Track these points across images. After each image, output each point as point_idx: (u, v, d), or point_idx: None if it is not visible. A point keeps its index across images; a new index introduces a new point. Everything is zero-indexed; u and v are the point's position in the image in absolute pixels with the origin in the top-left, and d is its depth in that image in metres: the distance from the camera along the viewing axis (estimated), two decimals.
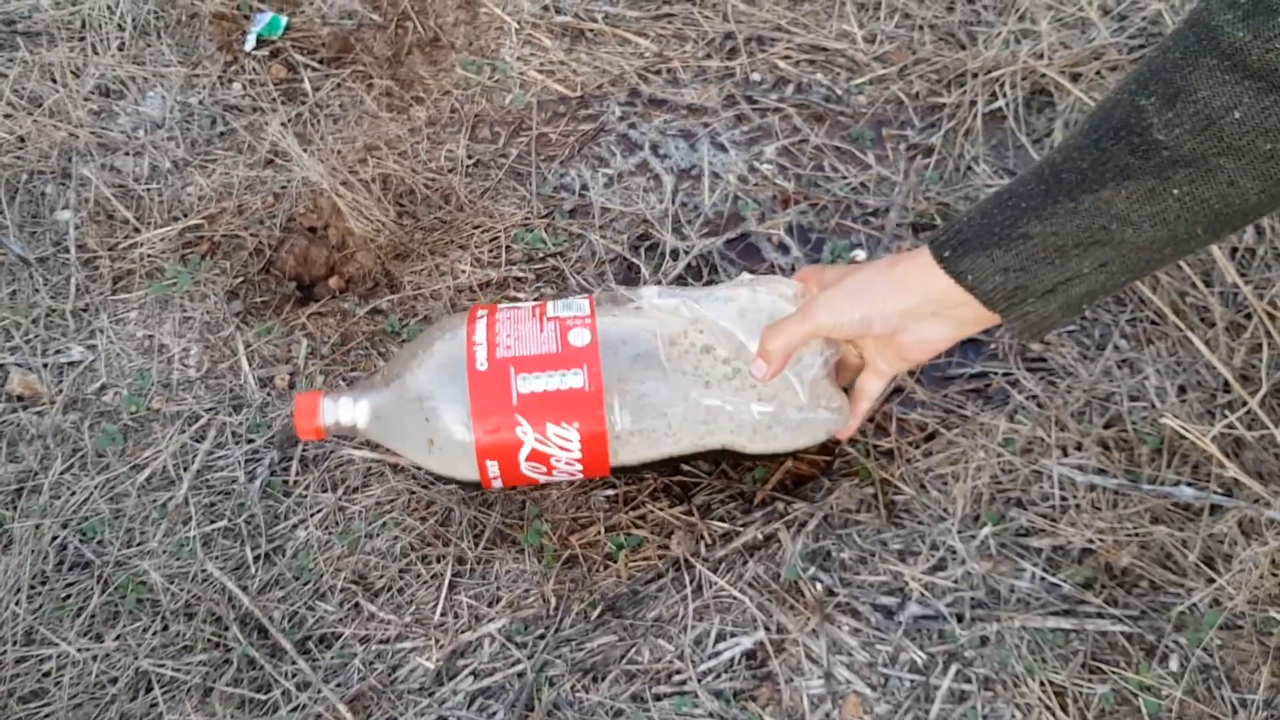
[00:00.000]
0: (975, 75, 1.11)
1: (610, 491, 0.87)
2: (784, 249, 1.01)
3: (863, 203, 1.04)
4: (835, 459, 0.89)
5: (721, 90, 1.13)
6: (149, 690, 0.79)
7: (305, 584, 0.84)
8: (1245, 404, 0.86)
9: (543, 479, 0.79)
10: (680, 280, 1.00)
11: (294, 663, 0.80)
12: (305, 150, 1.06)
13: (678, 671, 0.79)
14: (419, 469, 0.87)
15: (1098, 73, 1.11)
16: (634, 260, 1.01)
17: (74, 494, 0.88)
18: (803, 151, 1.08)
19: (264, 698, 0.78)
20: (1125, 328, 0.94)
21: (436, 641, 0.81)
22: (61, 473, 0.89)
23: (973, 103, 1.09)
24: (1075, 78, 1.10)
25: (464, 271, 1.00)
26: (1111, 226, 0.60)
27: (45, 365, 0.95)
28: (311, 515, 0.87)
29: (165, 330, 0.97)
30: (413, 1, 1.21)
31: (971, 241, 0.65)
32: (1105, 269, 0.62)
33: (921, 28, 1.16)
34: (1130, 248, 0.61)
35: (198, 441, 0.91)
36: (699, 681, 0.78)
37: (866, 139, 1.08)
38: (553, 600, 0.82)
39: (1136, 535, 0.82)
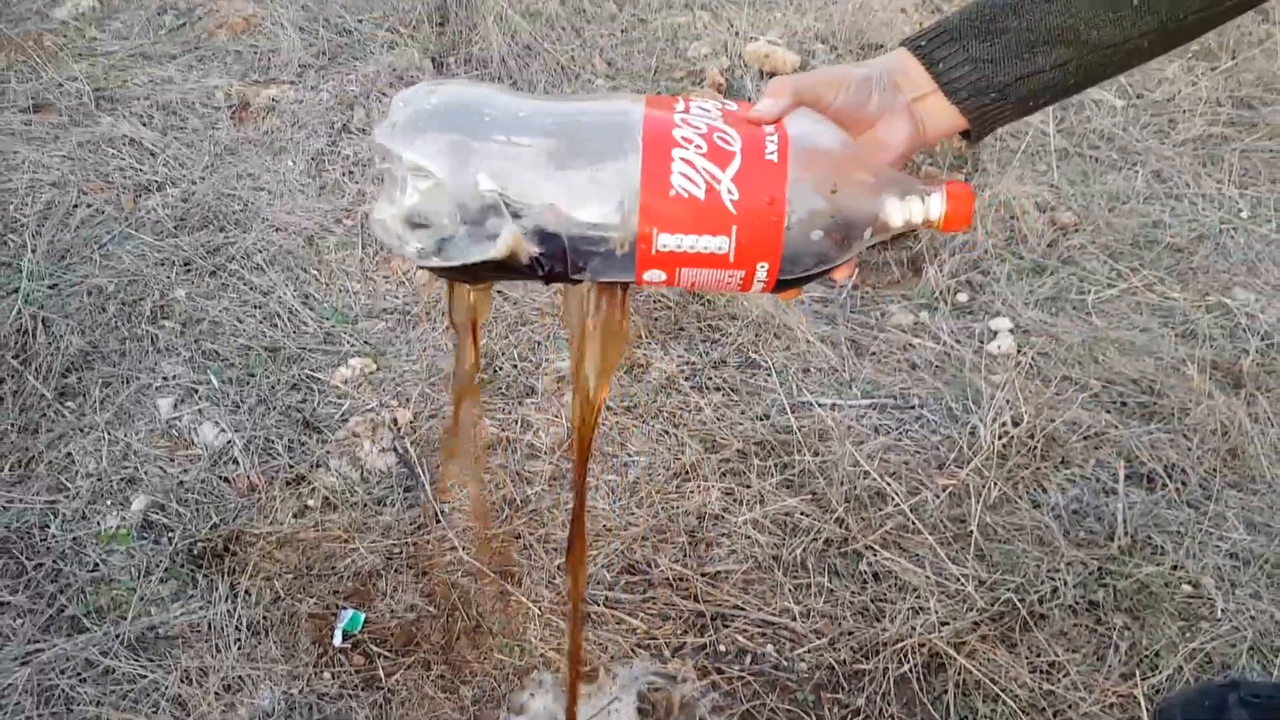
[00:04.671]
0: (886, 645, 1.48)
1: None
2: None
3: None
4: None
5: (697, 662, 1.49)
6: None
7: None
8: None
9: None
10: None
11: None
12: None
13: None
14: None
15: (980, 638, 1.48)
16: None
17: None
18: (761, 714, 1.42)
19: None
20: None
21: None
22: None
23: (885, 670, 1.45)
24: (959, 646, 1.47)
25: None
26: (1079, 27, 0.71)
27: None
28: None
29: None
30: (460, 594, 1.59)
31: (950, 32, 0.74)
32: (1063, 69, 0.73)
33: (842, 604, 1.55)
34: (1089, 49, 0.72)
35: None
36: None
37: (809, 704, 1.43)
38: None
39: None
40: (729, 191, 0.67)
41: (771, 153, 0.67)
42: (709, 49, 2.93)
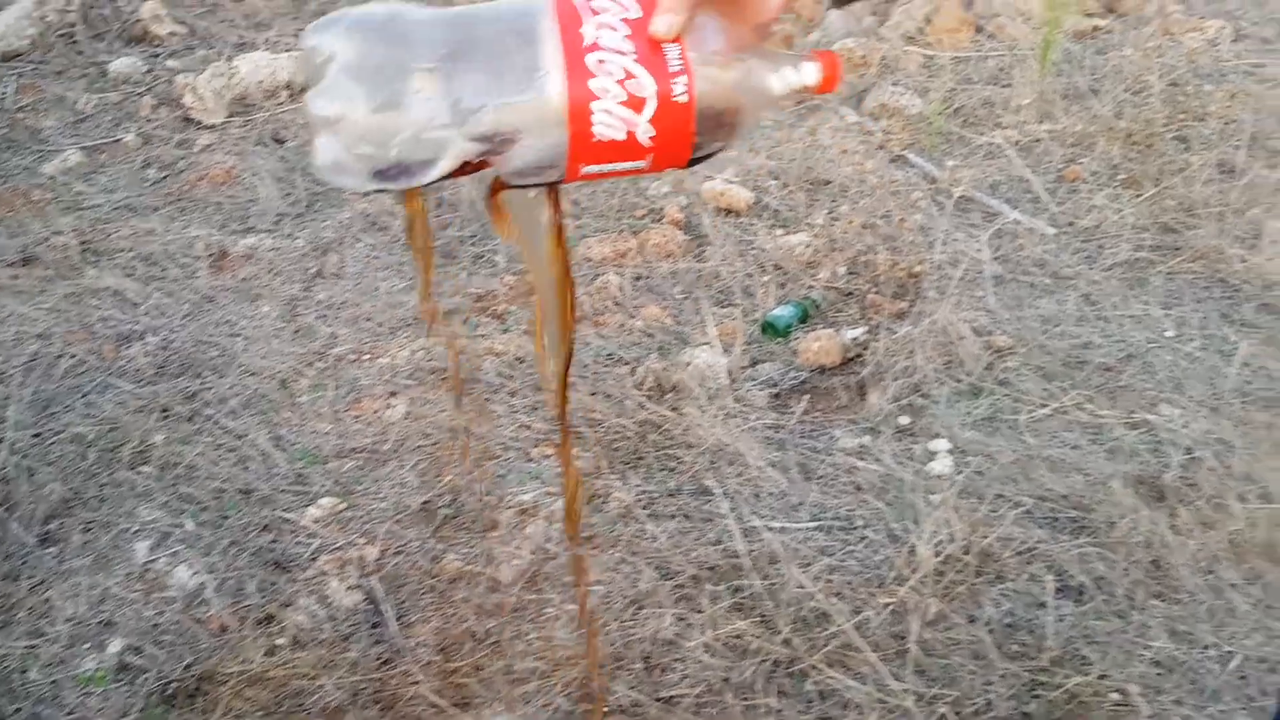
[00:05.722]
0: None
1: None
2: None
3: None
4: None
5: None
6: None
7: None
8: None
9: None
10: None
11: None
12: None
13: None
14: None
15: None
16: None
17: None
18: None
19: None
20: None
21: None
22: None
23: None
24: None
25: None
26: None
27: None
28: None
29: None
30: None
31: None
32: None
33: None
34: None
35: None
36: None
37: None
38: None
39: None
40: (646, 132, 0.77)
41: (680, 94, 0.76)
42: (668, 188, 3.10)
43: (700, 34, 0.79)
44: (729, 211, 2.95)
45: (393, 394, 2.30)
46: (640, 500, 2.02)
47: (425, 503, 2.03)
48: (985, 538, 1.86)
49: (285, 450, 2.17)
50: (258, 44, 3.79)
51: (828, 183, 3.04)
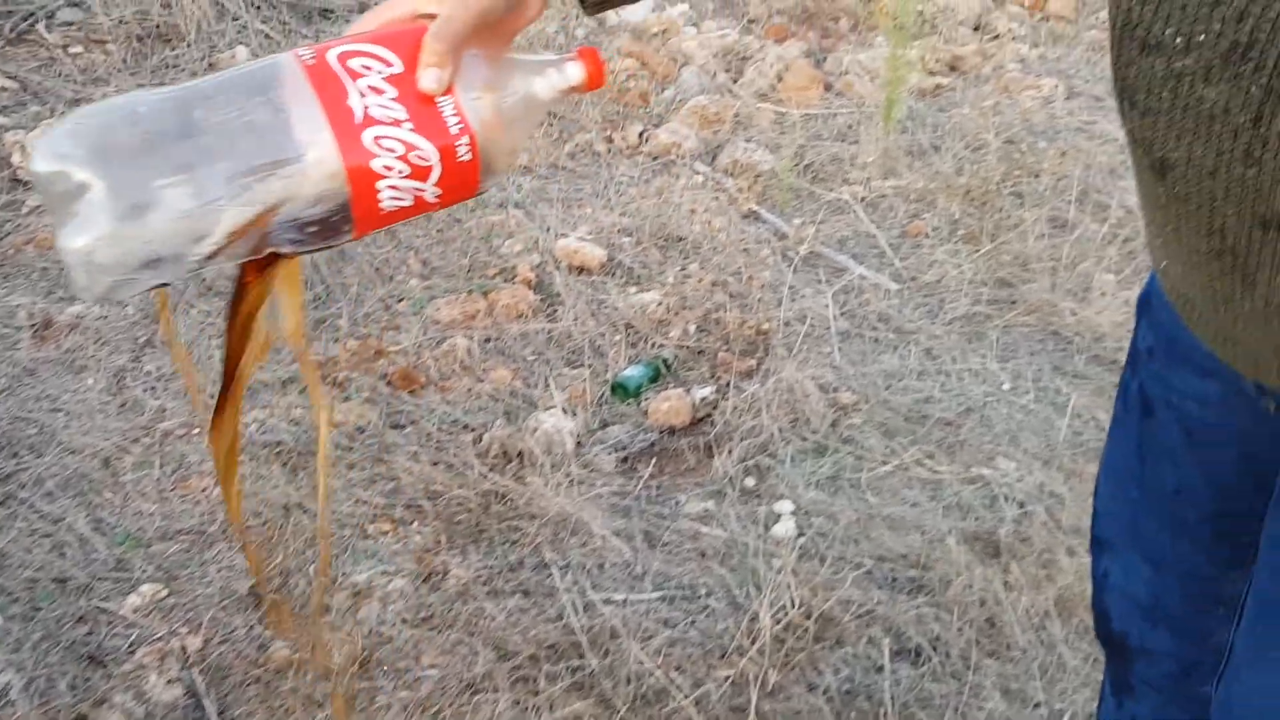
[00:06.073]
0: None
1: None
2: None
3: None
4: None
5: None
6: None
7: None
8: None
9: None
10: None
11: None
12: None
13: None
14: None
15: None
16: None
17: None
18: None
19: None
20: None
21: None
22: None
23: None
24: None
25: None
26: None
27: None
28: None
29: None
30: None
31: None
32: None
33: None
34: None
35: None
36: None
37: None
38: None
39: None
40: (434, 193, 0.76)
41: (464, 154, 0.76)
42: (521, 246, 3.07)
43: (465, 72, 0.77)
44: (582, 270, 2.93)
45: None
46: (480, 577, 1.97)
47: (253, 586, 1.94)
48: (826, 601, 1.86)
49: (105, 534, 2.05)
50: (95, 100, 3.64)
51: (681, 239, 3.05)
